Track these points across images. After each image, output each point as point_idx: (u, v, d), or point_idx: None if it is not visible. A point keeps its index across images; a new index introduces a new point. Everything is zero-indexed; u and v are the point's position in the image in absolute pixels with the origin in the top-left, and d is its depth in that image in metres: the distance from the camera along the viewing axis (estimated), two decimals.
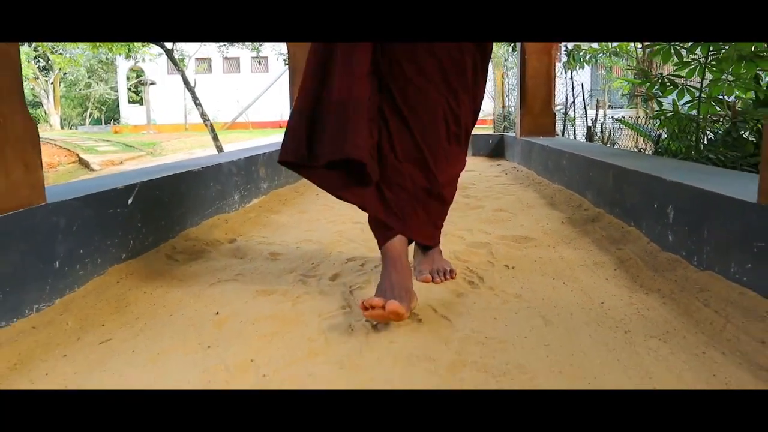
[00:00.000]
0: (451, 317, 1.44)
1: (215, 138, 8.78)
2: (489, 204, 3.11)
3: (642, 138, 5.48)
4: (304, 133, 1.50)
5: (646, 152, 5.05)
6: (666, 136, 4.23)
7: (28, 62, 26.27)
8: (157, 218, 2.07)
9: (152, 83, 21.07)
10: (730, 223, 1.54)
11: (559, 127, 7.76)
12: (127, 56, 13.78)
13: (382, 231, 1.60)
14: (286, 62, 12.13)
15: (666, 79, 3.54)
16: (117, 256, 1.81)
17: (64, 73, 30.19)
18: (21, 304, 1.38)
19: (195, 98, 8.50)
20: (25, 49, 22.98)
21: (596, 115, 6.14)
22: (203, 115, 8.67)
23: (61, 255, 1.54)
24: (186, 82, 7.75)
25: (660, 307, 1.48)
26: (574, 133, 6.89)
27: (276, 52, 15.78)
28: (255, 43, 9.87)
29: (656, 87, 3.56)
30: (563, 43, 16.91)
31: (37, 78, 28.16)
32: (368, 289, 1.66)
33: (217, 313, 1.48)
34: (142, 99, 23.13)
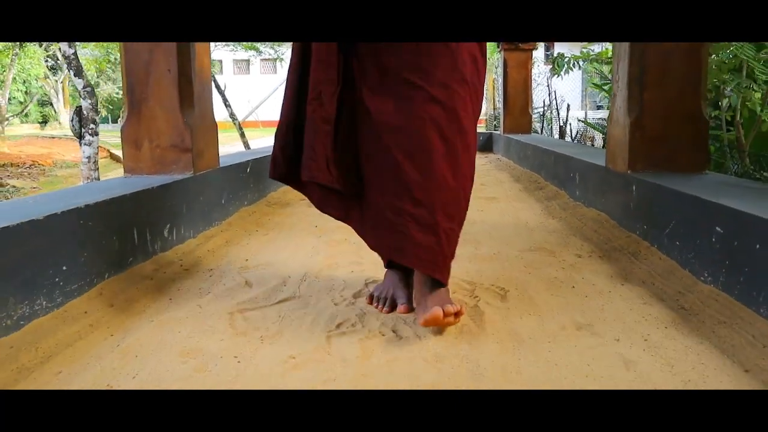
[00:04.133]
0: None
1: (242, 135, 10.03)
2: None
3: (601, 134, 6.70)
4: (288, 149, 1.52)
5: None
6: None
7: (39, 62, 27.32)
8: (265, 185, 3.29)
9: None
10: (597, 182, 2.76)
11: (540, 125, 9.00)
12: None
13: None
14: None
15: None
16: (251, 199, 3.03)
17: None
18: (213, 220, 2.59)
19: (225, 100, 9.70)
20: (33, 48, 23.99)
21: (567, 116, 7.37)
22: (232, 115, 9.88)
23: (225, 196, 2.75)
24: (217, 85, 8.90)
25: (557, 223, 2.71)
26: (551, 131, 8.13)
27: (280, 54, 17.04)
28: (261, 46, 10.93)
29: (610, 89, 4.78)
30: (548, 51, 18.13)
31: (47, 77, 29.26)
32: None
33: (316, 226, 2.68)
34: None
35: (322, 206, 1.56)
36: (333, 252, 2.20)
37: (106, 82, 32.92)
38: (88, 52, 21.71)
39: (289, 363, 1.25)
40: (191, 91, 2.42)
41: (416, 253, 1.38)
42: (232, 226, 2.63)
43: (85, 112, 6.46)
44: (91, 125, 6.49)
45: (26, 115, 19.42)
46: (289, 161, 1.53)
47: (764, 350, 1.22)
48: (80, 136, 6.50)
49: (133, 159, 2.42)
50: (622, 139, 2.42)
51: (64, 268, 1.54)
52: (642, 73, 2.32)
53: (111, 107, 33.91)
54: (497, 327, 1.43)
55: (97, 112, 6.64)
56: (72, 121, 6.53)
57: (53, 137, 16.29)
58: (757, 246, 1.42)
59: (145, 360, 1.28)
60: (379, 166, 1.42)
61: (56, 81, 29.66)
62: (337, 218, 1.58)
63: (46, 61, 29.29)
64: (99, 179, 6.61)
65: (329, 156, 1.43)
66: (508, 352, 1.29)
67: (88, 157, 6.53)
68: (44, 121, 29.20)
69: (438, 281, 1.42)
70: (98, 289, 1.65)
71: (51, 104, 30.25)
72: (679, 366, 1.21)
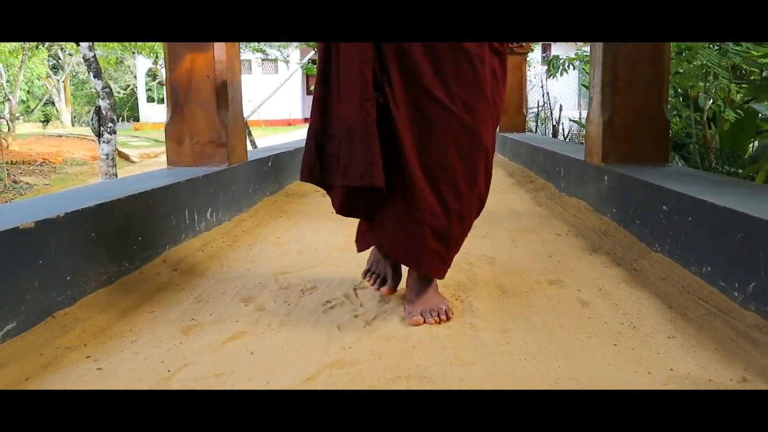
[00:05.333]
0: None
1: (249, 133, 10.45)
2: None
3: None
4: (316, 153, 1.52)
5: None
6: None
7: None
8: (283, 177, 3.67)
9: None
10: (578, 174, 3.15)
11: (535, 125, 9.40)
12: (149, 54, 15.23)
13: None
14: (300, 65, 13.64)
15: None
16: (272, 190, 3.41)
17: (76, 73, 31.48)
18: (242, 207, 2.97)
19: None
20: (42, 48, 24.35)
21: (560, 115, 7.78)
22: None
23: (251, 186, 3.13)
24: None
25: (542, 210, 3.10)
26: (545, 130, 8.54)
27: (283, 55, 17.46)
28: (267, 48, 11.29)
29: None
30: (544, 53, 18.45)
31: (49, 77, 29.60)
32: None
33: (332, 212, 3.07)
34: (162, 98, 24.75)
35: (348, 209, 1.58)
36: (350, 233, 2.58)
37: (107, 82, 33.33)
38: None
39: (326, 305, 1.64)
40: (226, 95, 2.80)
41: (431, 262, 1.48)
42: (258, 212, 3.01)
43: (103, 112, 6.83)
44: (110, 124, 6.87)
45: (29, 114, 19.75)
46: (311, 164, 1.54)
47: (688, 295, 1.62)
48: (99, 135, 6.88)
49: (175, 153, 2.80)
50: (597, 136, 2.81)
51: (139, 238, 1.93)
52: (613, 80, 2.71)
53: (94, 106, 34.25)
54: (487, 282, 1.82)
55: (115, 111, 7.01)
56: (91, 120, 6.90)
57: (60, 136, 16.62)
58: (689, 219, 1.81)
59: (213, 304, 1.67)
60: (399, 176, 1.45)
61: (58, 80, 29.99)
62: (362, 218, 1.64)
63: (48, 60, 29.64)
64: (117, 176, 6.99)
65: (377, 158, 1.41)
66: (494, 299, 1.68)
67: (107, 154, 6.91)
68: (46, 120, 29.48)
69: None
70: (162, 257, 2.03)
71: (53, 103, 30.61)
72: (622, 305, 1.60)
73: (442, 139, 1.43)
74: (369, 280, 1.70)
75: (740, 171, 3.34)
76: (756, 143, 4.35)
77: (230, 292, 1.78)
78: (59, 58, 29.04)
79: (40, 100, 29.88)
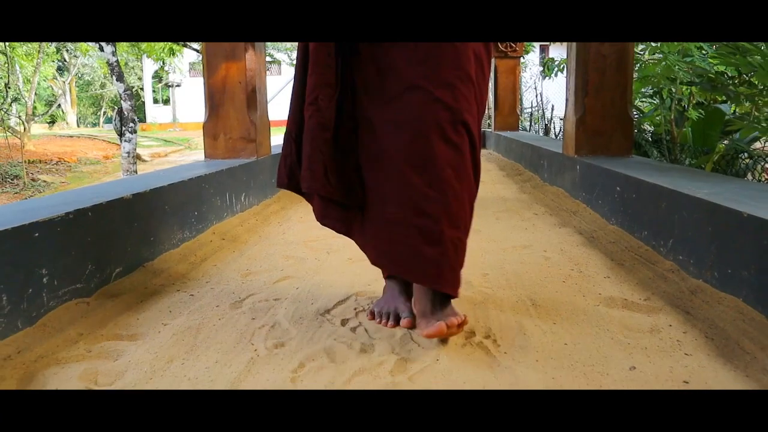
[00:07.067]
0: None
1: None
2: None
3: None
4: (294, 158, 1.46)
5: None
6: None
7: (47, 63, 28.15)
8: None
9: (178, 85, 23.21)
10: (558, 165, 3.63)
11: (529, 124, 9.90)
12: (158, 58, 15.71)
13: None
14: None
15: None
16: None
17: (81, 75, 31.92)
18: (267, 194, 3.45)
19: None
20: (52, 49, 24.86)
21: (552, 115, 8.28)
22: None
23: (275, 176, 3.61)
24: None
25: (526, 196, 3.59)
26: (537, 128, 9.05)
27: (290, 59, 18.03)
28: (269, 50, 11.74)
29: None
30: (542, 54, 18.86)
31: (55, 78, 30.11)
32: None
33: None
34: (168, 99, 25.27)
35: (323, 218, 1.48)
36: None
37: (112, 83, 33.82)
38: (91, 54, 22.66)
39: (348, 262, 2.12)
40: (255, 97, 3.29)
41: (422, 269, 1.30)
42: (281, 199, 3.49)
43: (125, 113, 7.32)
44: (131, 124, 7.36)
45: (44, 116, 20.24)
46: (291, 170, 1.49)
47: (628, 252, 2.10)
48: (121, 134, 7.37)
49: (211, 147, 3.29)
50: (571, 132, 3.29)
51: (196, 213, 2.41)
52: (585, 84, 3.20)
53: (116, 107, 34.83)
54: (469, 247, 2.30)
55: (136, 112, 7.49)
56: (114, 120, 7.40)
57: (71, 136, 17.11)
58: (634, 196, 2.29)
59: (261, 260, 2.15)
60: (380, 174, 1.35)
61: (63, 82, 30.47)
62: (338, 231, 1.49)
63: (53, 61, 30.13)
64: (137, 172, 7.48)
65: (328, 165, 1.36)
66: (476, 257, 2.16)
67: (128, 153, 7.40)
68: (52, 121, 29.93)
69: (446, 294, 1.34)
70: (212, 230, 2.52)
71: (59, 104, 31.12)
72: (576, 259, 2.09)
73: (425, 125, 1.29)
74: (379, 321, 1.49)
75: (694, 161, 3.83)
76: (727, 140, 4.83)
77: (272, 252, 2.27)
78: (65, 60, 29.56)
79: (48, 101, 30.32)
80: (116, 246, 1.80)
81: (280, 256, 2.21)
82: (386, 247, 1.36)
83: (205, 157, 3.32)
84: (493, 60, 8.02)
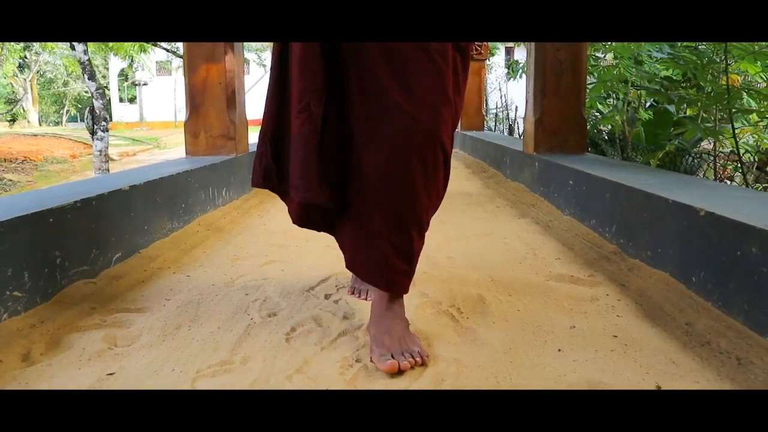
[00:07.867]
0: None
1: None
2: None
3: None
4: (270, 160, 1.48)
5: None
6: None
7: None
8: None
9: (145, 84, 23.02)
10: (518, 162, 3.90)
11: (494, 124, 10.22)
12: (126, 55, 15.60)
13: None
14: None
15: None
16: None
17: (43, 72, 31.27)
18: (246, 190, 3.63)
19: None
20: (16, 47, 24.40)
21: (515, 116, 8.61)
22: None
23: (244, 176, 3.78)
24: None
25: (490, 192, 3.84)
26: (502, 128, 9.37)
27: (260, 59, 18.17)
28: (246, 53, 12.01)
29: None
30: (507, 56, 19.23)
31: (16, 75, 29.48)
32: None
33: None
34: (134, 98, 25.01)
35: (305, 223, 1.52)
36: None
37: (75, 81, 33.24)
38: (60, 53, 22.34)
39: (326, 248, 2.32)
40: (234, 98, 3.46)
41: (393, 280, 1.37)
42: (259, 194, 3.67)
43: (97, 111, 7.38)
44: (103, 123, 7.41)
45: (6, 114, 19.88)
46: (266, 171, 1.51)
47: (578, 238, 2.36)
48: (93, 133, 7.42)
49: (192, 144, 3.45)
50: (530, 131, 3.55)
51: (183, 205, 2.59)
52: (543, 87, 3.46)
53: (80, 106, 34.22)
54: (436, 235, 2.53)
55: (108, 111, 7.55)
56: (86, 119, 7.45)
57: (35, 135, 16.87)
58: (584, 189, 2.55)
59: (247, 247, 2.34)
60: (360, 185, 1.37)
61: (24, 79, 29.85)
62: (319, 230, 1.57)
63: (13, 59, 29.50)
64: (109, 171, 7.54)
65: (322, 173, 1.36)
66: (441, 242, 2.39)
67: (100, 151, 7.46)
68: (12, 120, 29.28)
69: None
70: (197, 221, 2.69)
71: (19, 102, 30.44)
72: (531, 244, 2.34)
73: (403, 144, 1.31)
74: (358, 296, 1.70)
75: (641, 158, 4.15)
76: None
77: (256, 240, 2.46)
78: (26, 57, 28.98)
79: (9, 100, 29.66)
80: (116, 233, 1.98)
81: (264, 244, 2.40)
82: (363, 258, 1.42)
83: (186, 153, 3.48)
84: None
